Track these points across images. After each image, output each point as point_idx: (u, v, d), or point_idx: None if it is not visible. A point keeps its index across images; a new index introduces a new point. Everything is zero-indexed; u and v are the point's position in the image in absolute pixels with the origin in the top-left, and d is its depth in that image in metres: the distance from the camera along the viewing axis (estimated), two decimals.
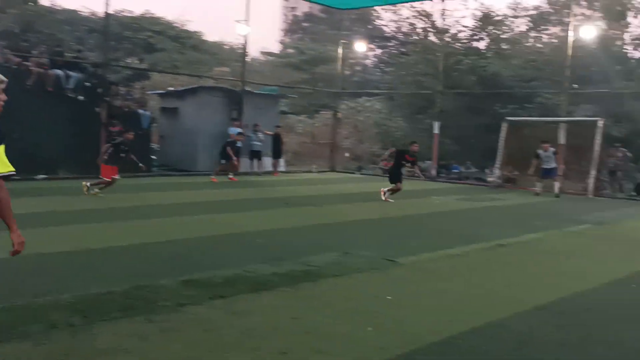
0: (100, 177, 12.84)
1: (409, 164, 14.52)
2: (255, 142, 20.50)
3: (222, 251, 7.82)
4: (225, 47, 45.72)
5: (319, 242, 8.64)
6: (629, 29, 27.02)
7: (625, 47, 26.12)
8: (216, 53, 41.10)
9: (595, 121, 18.22)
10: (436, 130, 22.05)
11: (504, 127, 19.80)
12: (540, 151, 16.54)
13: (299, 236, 9.12)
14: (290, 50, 43.47)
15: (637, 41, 25.86)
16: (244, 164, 20.05)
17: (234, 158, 17.70)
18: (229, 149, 17.68)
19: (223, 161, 17.84)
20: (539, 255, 8.38)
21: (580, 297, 6.15)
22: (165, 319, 4.82)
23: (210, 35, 59.71)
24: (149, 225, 9.57)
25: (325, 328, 4.81)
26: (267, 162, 21.49)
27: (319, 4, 28.40)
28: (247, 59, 25.13)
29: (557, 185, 16.97)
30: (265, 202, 13.26)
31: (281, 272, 6.64)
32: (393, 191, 14.12)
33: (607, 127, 19.08)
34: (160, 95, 23.33)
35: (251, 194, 14.82)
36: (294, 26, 52.79)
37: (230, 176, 18.05)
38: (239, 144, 18.67)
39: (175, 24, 37.82)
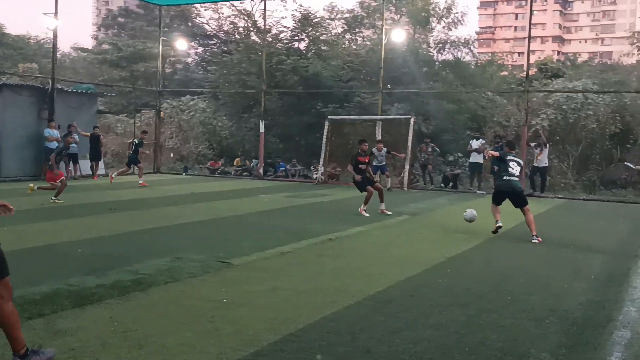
0: None
1: (363, 165, 12.55)
2: (70, 144, 19.06)
3: (38, 265, 7.12)
4: (30, 41, 42.08)
5: (147, 248, 8.25)
6: (432, 34, 29.51)
7: (430, 50, 28.43)
8: (21, 48, 37.66)
9: (408, 119, 19.67)
10: (262, 129, 22.26)
11: (326, 126, 20.58)
12: (374, 150, 17.62)
13: (125, 243, 8.64)
14: (106, 47, 41.18)
15: (440, 45, 28.28)
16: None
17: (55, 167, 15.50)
18: (53, 156, 15.46)
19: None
20: (365, 247, 8.80)
21: (405, 285, 6.55)
22: None
23: (13, 28, 54.50)
24: None
25: (160, 339, 4.58)
26: (85, 165, 20.15)
27: None
28: (57, 54, 23.31)
29: (389, 181, 18.27)
30: (86, 208, 12.39)
31: (107, 283, 6.22)
32: (366, 201, 12.22)
33: (417, 124, 20.69)
34: None
35: (69, 199, 13.74)
36: (109, 21, 50.04)
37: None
38: (72, 148, 17.50)
39: None
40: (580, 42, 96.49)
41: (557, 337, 4.95)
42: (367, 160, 12.74)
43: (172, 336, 4.67)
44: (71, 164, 19.23)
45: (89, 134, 20.05)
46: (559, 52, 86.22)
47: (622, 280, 7.13)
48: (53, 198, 12.86)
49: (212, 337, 4.69)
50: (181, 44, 28.68)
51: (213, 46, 36.42)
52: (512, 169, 9.98)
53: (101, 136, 21.35)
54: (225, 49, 32.90)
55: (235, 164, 24.74)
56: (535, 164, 17.83)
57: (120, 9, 50.02)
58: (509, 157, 10.11)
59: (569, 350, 4.65)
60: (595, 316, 5.59)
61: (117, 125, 30.18)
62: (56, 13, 19.80)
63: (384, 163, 18.28)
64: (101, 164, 21.20)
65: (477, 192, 18.37)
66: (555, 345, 4.75)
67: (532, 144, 18.08)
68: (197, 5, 35.53)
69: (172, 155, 27.57)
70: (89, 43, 57.66)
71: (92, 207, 12.45)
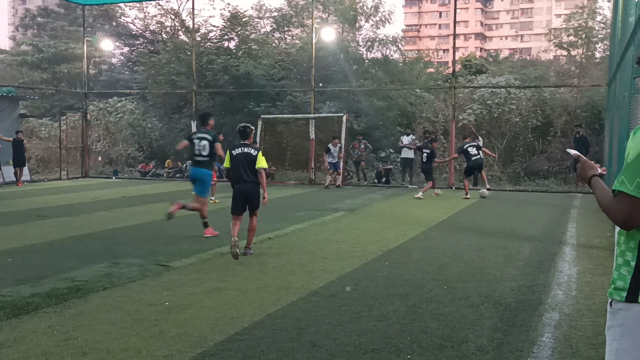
0: None
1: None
2: None
3: None
4: None
5: (82, 254, 8.04)
6: (361, 32, 29.95)
7: (359, 48, 28.83)
8: None
9: (341, 116, 19.92)
10: (194, 130, 21.94)
11: (260, 125, 20.54)
12: (330, 145, 17.76)
13: (59, 250, 8.38)
14: (26, 48, 39.49)
15: (369, 43, 28.72)
16: None
17: None
18: None
19: None
20: (305, 244, 8.89)
21: (346, 279, 6.68)
22: None
23: None
24: None
25: (104, 345, 4.51)
26: (8, 171, 19.31)
27: None
28: None
29: (339, 179, 18.65)
30: (12, 216, 11.90)
31: (43, 291, 6.04)
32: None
33: (349, 121, 20.99)
34: None
35: None
36: (28, 21, 47.95)
37: None
38: None
39: None
40: (501, 39, 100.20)
41: (493, 321, 5.20)
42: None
43: (116, 341, 4.60)
44: None
45: (11, 139, 19.22)
46: (481, 49, 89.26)
47: (550, 265, 7.53)
48: None
49: (158, 340, 4.65)
50: (106, 44, 27.87)
51: (139, 46, 35.57)
52: (474, 152, 15.39)
53: (25, 141, 20.51)
54: (153, 48, 32.22)
55: (166, 165, 24.30)
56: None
57: (40, 8, 47.98)
58: (467, 146, 15.55)
59: (504, 333, 4.89)
60: (526, 300, 5.89)
61: (41, 129, 29.03)
62: None
63: (337, 160, 18.49)
64: (25, 169, 20.37)
65: (409, 186, 18.82)
66: (491, 329, 4.98)
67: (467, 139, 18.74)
68: (122, 5, 34.62)
69: (100, 159, 26.77)
70: (5, 44, 55.16)
71: (19, 215, 11.97)
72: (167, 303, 5.68)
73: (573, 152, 2.66)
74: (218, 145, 9.54)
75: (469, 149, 15.47)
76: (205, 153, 9.38)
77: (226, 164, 8.19)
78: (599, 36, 25.99)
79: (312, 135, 19.90)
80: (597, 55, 26.79)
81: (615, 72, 13.65)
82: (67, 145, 24.08)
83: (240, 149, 8.04)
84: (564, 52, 28.07)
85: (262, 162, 7.98)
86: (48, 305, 5.56)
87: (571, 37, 26.25)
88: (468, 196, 15.19)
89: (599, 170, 2.45)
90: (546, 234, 10.11)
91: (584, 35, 25.68)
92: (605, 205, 2.24)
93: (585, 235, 9.93)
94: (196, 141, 9.44)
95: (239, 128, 8.32)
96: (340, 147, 18.41)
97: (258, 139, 20.26)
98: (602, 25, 25.95)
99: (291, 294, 6.00)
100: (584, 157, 2.53)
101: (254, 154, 7.97)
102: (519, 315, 5.40)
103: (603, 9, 27.19)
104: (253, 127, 8.70)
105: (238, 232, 7.83)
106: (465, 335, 4.81)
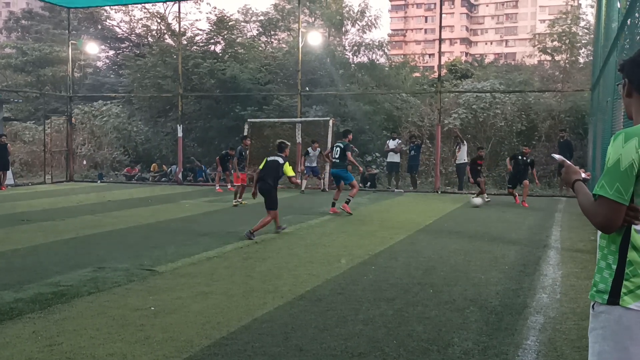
0: None
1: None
2: None
3: None
4: None
5: (67, 259, 7.97)
6: (347, 37, 30.04)
7: (346, 53, 28.92)
8: None
9: (327, 120, 19.95)
10: (180, 134, 21.90)
11: (246, 129, 20.51)
12: (309, 149, 17.76)
13: (43, 255, 8.30)
14: (10, 50, 39.14)
15: (355, 47, 28.83)
16: None
17: None
18: None
19: None
20: (291, 248, 8.89)
21: (332, 283, 6.69)
22: None
23: None
24: None
25: (89, 351, 4.48)
26: None
27: (41, 0, 26.13)
28: None
29: (323, 183, 18.53)
30: None
31: (27, 297, 5.99)
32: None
33: (336, 125, 21.03)
34: None
35: None
36: (12, 24, 47.53)
37: None
38: None
39: None
40: (486, 43, 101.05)
41: (478, 325, 5.23)
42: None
43: (101, 347, 4.57)
44: None
45: None
46: (466, 54, 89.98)
47: (534, 268, 7.59)
48: None
49: (144, 345, 4.63)
50: (91, 47, 27.71)
51: (125, 49, 35.42)
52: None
53: (8, 144, 20.31)
54: (138, 52, 32.08)
55: (152, 169, 24.18)
56: (456, 162, 18.56)
57: (24, 11, 47.58)
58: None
59: (489, 337, 4.92)
60: (511, 304, 5.93)
61: (25, 133, 28.77)
62: None
63: (315, 165, 18.49)
64: (9, 173, 20.17)
65: (395, 190, 18.88)
66: (476, 333, 5.01)
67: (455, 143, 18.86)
68: (107, 8, 34.45)
69: (85, 162, 26.59)
70: None
71: (3, 219, 11.85)
72: (152, 308, 5.65)
73: (558, 156, 2.69)
74: (349, 153, 13.10)
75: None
76: (336, 156, 13.23)
77: (261, 166, 10.24)
78: (583, 41, 26.30)
79: (299, 139, 19.90)
80: (581, 60, 27.11)
81: (598, 78, 13.81)
82: (52, 148, 23.91)
83: (273, 157, 10.28)
84: (548, 57, 28.35)
85: (288, 171, 10.12)
86: (32, 311, 5.51)
87: (555, 43, 26.53)
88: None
89: (583, 175, 2.48)
90: (531, 237, 10.18)
91: (567, 41, 25.97)
92: (586, 209, 2.27)
93: (570, 239, 10.02)
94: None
95: (278, 143, 10.77)
96: (320, 152, 18.39)
97: None
98: (586, 30, 26.27)
99: (278, 298, 5.99)
100: (569, 162, 2.57)
101: (280, 162, 10.06)
102: (504, 318, 5.44)
103: (586, 15, 27.56)
104: (289, 143, 11.00)
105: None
106: (451, 339, 4.84)
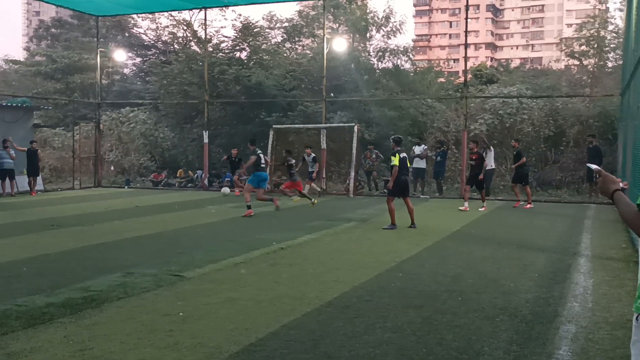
0: None
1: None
2: (5, 160, 18.46)
3: None
4: None
5: (96, 264, 8.07)
6: (372, 42, 30.00)
7: (370, 58, 28.88)
8: None
9: (352, 126, 19.93)
10: (206, 140, 22.08)
11: (271, 135, 20.60)
12: (305, 155, 17.70)
13: (73, 260, 8.42)
14: (40, 58, 39.91)
15: (380, 53, 28.77)
16: None
17: None
18: None
19: None
20: (318, 254, 8.88)
21: (360, 290, 6.66)
22: None
23: None
24: None
25: (120, 356, 4.52)
26: (22, 180, 19.47)
27: (70, 9, 26.59)
28: None
29: (308, 187, 18.44)
30: (26, 225, 11.98)
31: (58, 301, 6.07)
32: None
33: (361, 131, 20.99)
34: None
35: (7, 217, 13.27)
36: (42, 32, 48.50)
37: None
38: (8, 164, 17.59)
39: None
40: (511, 48, 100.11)
41: (508, 334, 5.16)
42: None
43: (131, 352, 4.61)
44: (7, 180, 18.58)
45: (25, 149, 19.39)
46: (492, 59, 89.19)
47: (565, 276, 7.47)
48: None
49: (173, 351, 4.65)
50: (119, 55, 28.13)
51: (151, 56, 35.87)
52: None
53: (39, 150, 20.70)
54: (165, 59, 32.46)
55: (178, 175, 24.40)
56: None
57: (54, 19, 48.54)
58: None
59: (520, 346, 4.85)
60: (542, 312, 5.84)
61: (55, 139, 29.27)
62: None
63: (312, 170, 18.51)
64: (39, 179, 20.54)
65: (421, 196, 18.77)
66: (507, 342, 4.94)
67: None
68: (134, 16, 34.93)
69: (112, 168, 26.95)
70: (20, 55, 55.79)
71: (33, 224, 12.05)
72: (181, 313, 5.69)
73: (594, 166, 2.65)
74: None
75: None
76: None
77: (395, 162, 11.46)
78: (611, 45, 25.88)
79: (324, 145, 19.91)
80: (610, 64, 26.66)
81: (628, 82, 13.58)
82: (80, 154, 24.27)
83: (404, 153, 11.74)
84: (576, 62, 27.96)
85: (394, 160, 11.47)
86: (63, 315, 5.59)
87: (583, 47, 26.16)
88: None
89: (621, 185, 2.43)
90: (560, 244, 10.03)
91: (595, 45, 25.59)
92: (629, 220, 2.23)
93: (600, 246, 9.85)
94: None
95: (393, 137, 11.90)
96: (313, 157, 18.47)
97: (269, 149, 20.32)
98: (614, 34, 25.85)
99: (305, 305, 5.99)
100: (605, 172, 2.52)
101: (401, 156, 11.48)
102: (535, 327, 5.35)
103: (615, 19, 27.04)
104: (401, 137, 12.15)
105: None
106: (481, 348, 4.77)
